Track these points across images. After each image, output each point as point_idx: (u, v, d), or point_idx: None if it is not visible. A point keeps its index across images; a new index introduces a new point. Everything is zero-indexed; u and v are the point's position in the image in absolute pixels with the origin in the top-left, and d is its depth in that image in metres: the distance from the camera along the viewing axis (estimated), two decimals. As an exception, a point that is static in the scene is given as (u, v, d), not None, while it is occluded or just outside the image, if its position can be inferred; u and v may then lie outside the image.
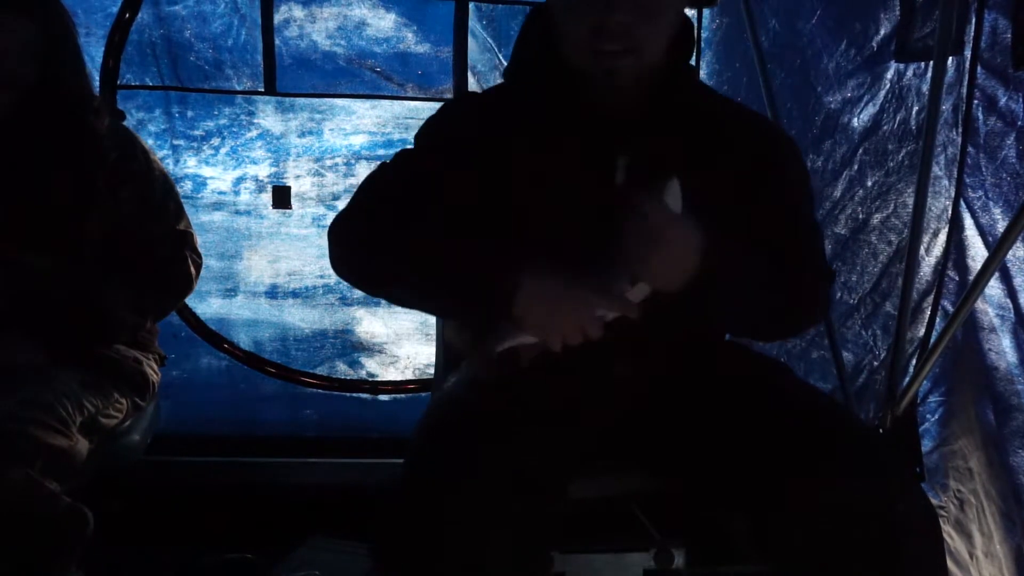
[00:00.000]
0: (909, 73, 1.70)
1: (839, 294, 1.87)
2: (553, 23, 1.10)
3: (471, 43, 2.23)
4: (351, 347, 2.36)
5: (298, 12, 2.23)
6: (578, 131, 1.12)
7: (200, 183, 2.28)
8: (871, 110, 1.79)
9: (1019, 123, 1.43)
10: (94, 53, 2.11)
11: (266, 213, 2.31)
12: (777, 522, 0.94)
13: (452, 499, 0.91)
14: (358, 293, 2.26)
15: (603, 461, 1.14)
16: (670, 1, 1.08)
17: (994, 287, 1.47)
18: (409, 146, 1.19)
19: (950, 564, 1.60)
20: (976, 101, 1.52)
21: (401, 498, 0.95)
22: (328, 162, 2.31)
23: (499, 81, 1.28)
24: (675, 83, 1.14)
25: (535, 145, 1.12)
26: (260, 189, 2.30)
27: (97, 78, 2.10)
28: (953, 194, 1.57)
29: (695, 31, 1.20)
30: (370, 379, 2.35)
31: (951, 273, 1.61)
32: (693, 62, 2.34)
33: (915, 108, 1.67)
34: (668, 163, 1.05)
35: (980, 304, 1.50)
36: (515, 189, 1.11)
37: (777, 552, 0.95)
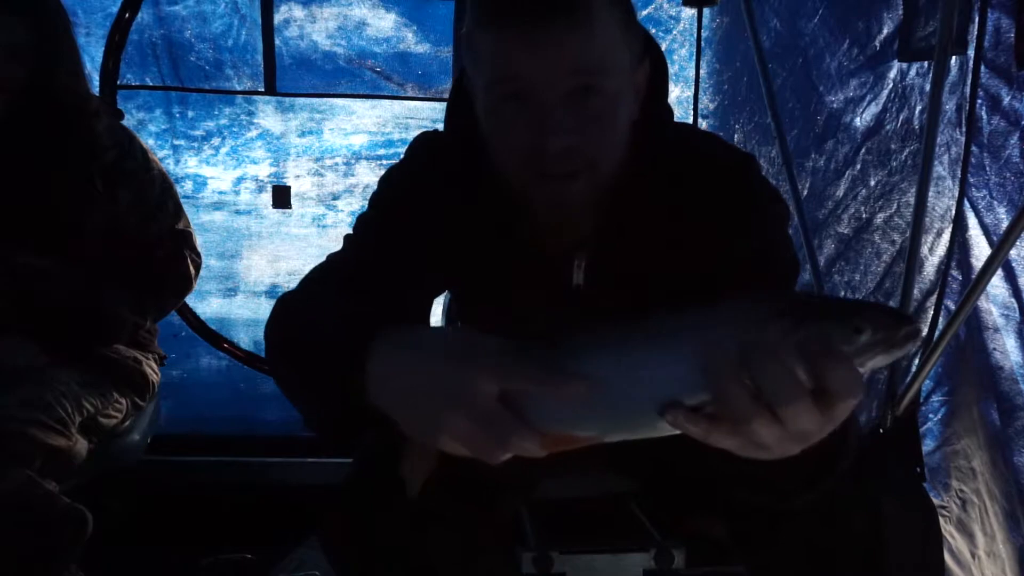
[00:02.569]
0: (912, 72, 1.69)
1: (842, 292, 1.86)
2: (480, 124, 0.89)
3: (472, 43, 2.23)
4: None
5: (298, 12, 2.23)
6: (522, 236, 0.94)
7: (200, 183, 2.28)
8: (874, 109, 1.78)
9: (1023, 122, 1.42)
10: (94, 53, 2.10)
11: (266, 213, 2.31)
12: (758, 526, 0.90)
13: (397, 497, 0.85)
14: (358, 293, 2.26)
15: (572, 463, 1.12)
16: (623, 98, 0.86)
17: (999, 287, 1.46)
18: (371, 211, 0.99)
19: (952, 564, 1.59)
20: (980, 100, 1.52)
21: (349, 495, 0.93)
22: (328, 162, 2.31)
23: None
24: (643, 173, 0.92)
25: (477, 250, 0.94)
26: (260, 189, 2.30)
27: (97, 78, 2.10)
28: (957, 194, 1.57)
29: (666, 68, 0.97)
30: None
31: (955, 273, 1.60)
32: (693, 62, 2.35)
33: (918, 107, 1.67)
34: (636, 256, 0.91)
35: (984, 303, 1.49)
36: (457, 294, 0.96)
37: (760, 556, 0.93)
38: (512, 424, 0.59)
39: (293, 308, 0.84)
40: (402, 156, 1.03)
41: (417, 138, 1.03)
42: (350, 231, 1.00)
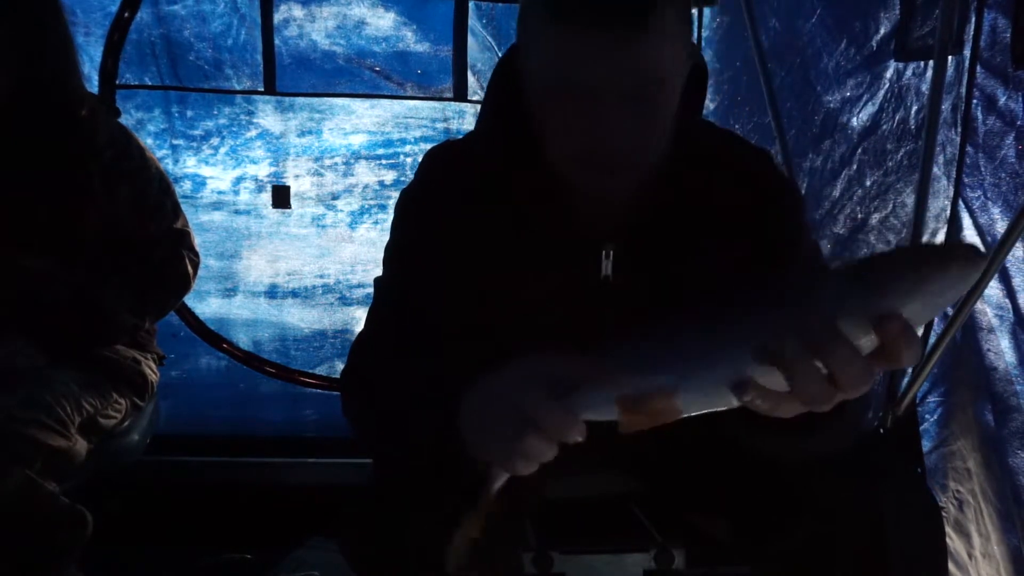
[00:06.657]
0: (908, 72, 1.70)
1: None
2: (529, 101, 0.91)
3: (471, 42, 2.23)
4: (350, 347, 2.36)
5: (298, 12, 2.23)
6: (554, 224, 0.96)
7: (199, 183, 2.28)
8: (870, 109, 1.78)
9: (1018, 123, 1.43)
10: (93, 53, 2.10)
11: (265, 213, 2.31)
12: (764, 526, 0.92)
13: (419, 497, 0.89)
14: (357, 293, 2.26)
15: (582, 461, 1.13)
16: (672, 102, 0.88)
17: (993, 287, 1.47)
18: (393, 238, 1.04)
19: (950, 565, 1.59)
20: (975, 100, 1.52)
21: (370, 496, 0.94)
22: (327, 162, 2.31)
23: None
24: (674, 167, 0.94)
25: (505, 245, 0.96)
26: (260, 189, 2.30)
27: (96, 78, 2.10)
28: (951, 194, 1.57)
29: (706, 75, 1.00)
30: (369, 379, 2.35)
31: (950, 273, 1.60)
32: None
33: (914, 107, 1.67)
34: (664, 246, 0.94)
35: (979, 305, 1.50)
36: (486, 300, 0.97)
37: (765, 556, 0.94)
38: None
39: (363, 385, 0.94)
40: (414, 176, 1.06)
41: (426, 155, 1.06)
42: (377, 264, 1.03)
